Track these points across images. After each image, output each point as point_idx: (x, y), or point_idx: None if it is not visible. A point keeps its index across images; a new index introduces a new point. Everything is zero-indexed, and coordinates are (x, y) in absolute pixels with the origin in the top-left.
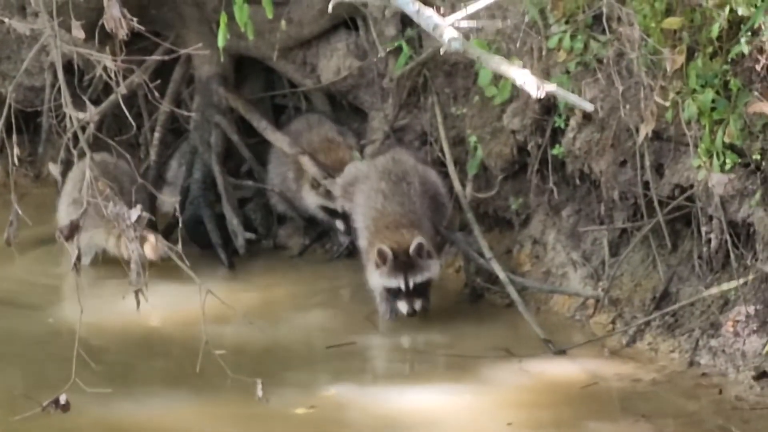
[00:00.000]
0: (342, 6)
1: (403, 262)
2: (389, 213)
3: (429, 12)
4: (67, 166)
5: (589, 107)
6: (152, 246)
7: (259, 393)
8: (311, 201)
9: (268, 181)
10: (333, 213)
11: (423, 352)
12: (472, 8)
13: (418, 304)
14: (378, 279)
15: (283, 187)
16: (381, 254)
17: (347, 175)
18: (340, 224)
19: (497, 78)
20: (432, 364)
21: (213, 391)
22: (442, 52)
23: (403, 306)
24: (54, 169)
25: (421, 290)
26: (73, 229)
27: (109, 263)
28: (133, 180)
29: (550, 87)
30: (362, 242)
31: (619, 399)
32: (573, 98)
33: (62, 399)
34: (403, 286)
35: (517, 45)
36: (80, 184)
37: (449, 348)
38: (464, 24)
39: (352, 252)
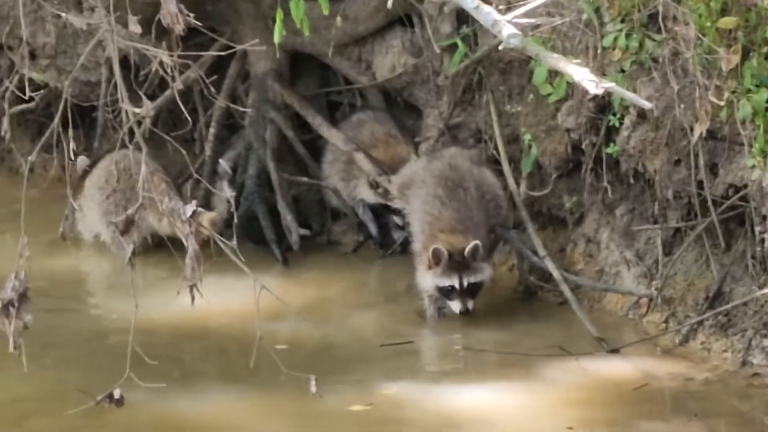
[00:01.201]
0: (398, 3)
1: (458, 262)
2: (445, 218)
3: (488, 8)
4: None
5: (647, 105)
6: (210, 220)
7: (313, 389)
8: (368, 198)
9: (323, 175)
10: (391, 209)
11: (477, 350)
12: (530, 5)
13: (470, 304)
14: (430, 279)
15: (337, 180)
16: (436, 254)
17: (404, 177)
18: (398, 219)
19: (552, 76)
20: (487, 362)
21: (267, 387)
22: (500, 49)
23: (455, 305)
24: (82, 162)
25: (473, 291)
26: (129, 224)
27: (162, 257)
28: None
29: (608, 84)
30: (416, 245)
31: (671, 398)
32: (630, 96)
33: (116, 393)
34: (457, 285)
35: (573, 43)
36: (113, 178)
37: (503, 346)
38: (522, 21)
39: (406, 248)
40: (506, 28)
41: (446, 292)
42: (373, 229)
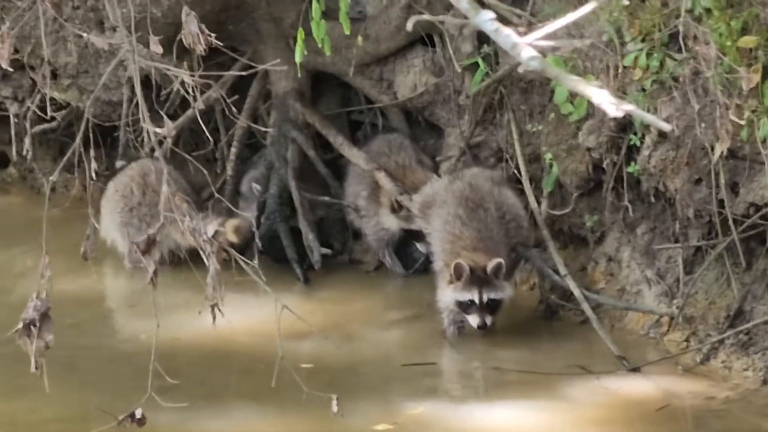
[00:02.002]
0: (419, 23)
1: (478, 277)
2: (466, 237)
3: (507, 31)
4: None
5: (666, 127)
6: (234, 227)
7: (334, 408)
8: (390, 224)
9: (345, 199)
10: (413, 235)
11: (499, 370)
12: (550, 28)
13: (489, 320)
14: (450, 294)
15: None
16: (458, 268)
17: (425, 196)
18: (421, 246)
19: (573, 95)
20: (509, 382)
21: (289, 406)
22: (520, 71)
23: (474, 319)
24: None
25: (493, 307)
26: (150, 244)
27: (184, 276)
28: (179, 186)
29: (628, 106)
30: (437, 264)
31: (692, 417)
32: (650, 118)
33: (138, 413)
34: (476, 299)
35: (594, 63)
36: (129, 193)
37: (525, 365)
38: (542, 43)
39: (427, 268)
40: (525, 50)
41: (465, 307)
42: (399, 269)
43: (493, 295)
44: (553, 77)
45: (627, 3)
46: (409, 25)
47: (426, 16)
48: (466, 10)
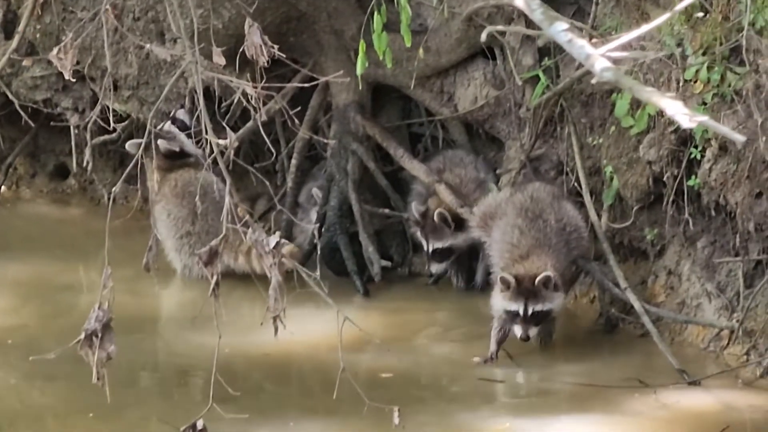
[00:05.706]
0: (480, 35)
1: (526, 289)
2: (523, 246)
3: (581, 42)
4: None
5: (740, 139)
6: (289, 252)
7: (396, 420)
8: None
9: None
10: (446, 255)
11: (559, 383)
12: (622, 39)
13: (532, 331)
14: (500, 302)
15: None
16: (504, 281)
17: (486, 206)
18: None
19: (634, 108)
20: (568, 395)
21: (349, 418)
22: (593, 82)
23: (518, 330)
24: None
25: (539, 318)
26: (213, 255)
27: (245, 288)
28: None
29: (701, 117)
30: (495, 271)
31: (752, 431)
32: (723, 129)
33: (199, 424)
34: (521, 311)
35: (655, 75)
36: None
37: (585, 378)
38: (614, 54)
39: (488, 281)
40: (599, 61)
41: (512, 317)
42: (459, 283)
43: (538, 307)
44: (626, 88)
45: (699, 15)
46: (483, 37)
47: (499, 27)
48: (539, 21)
